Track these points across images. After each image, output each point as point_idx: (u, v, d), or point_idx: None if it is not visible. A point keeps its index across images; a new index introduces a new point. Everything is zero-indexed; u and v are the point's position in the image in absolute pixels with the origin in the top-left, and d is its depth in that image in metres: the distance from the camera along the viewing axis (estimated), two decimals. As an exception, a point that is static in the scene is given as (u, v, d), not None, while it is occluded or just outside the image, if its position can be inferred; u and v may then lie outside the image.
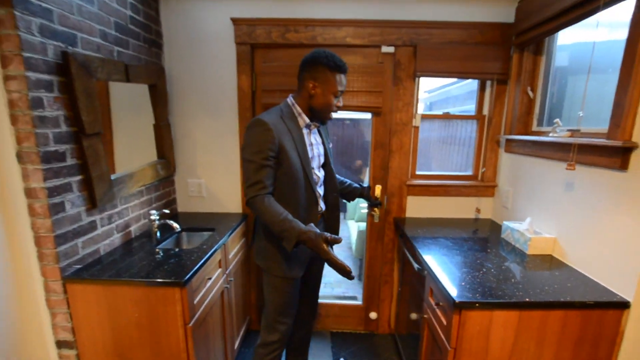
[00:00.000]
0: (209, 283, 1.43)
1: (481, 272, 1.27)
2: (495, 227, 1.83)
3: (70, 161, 1.21)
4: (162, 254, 1.40)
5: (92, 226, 1.32)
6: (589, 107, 1.38)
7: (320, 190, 1.38)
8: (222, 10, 1.79)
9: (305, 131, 1.31)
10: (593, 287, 1.16)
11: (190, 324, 1.23)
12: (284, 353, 1.77)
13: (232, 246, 1.76)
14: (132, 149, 1.59)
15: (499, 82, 1.82)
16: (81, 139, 1.23)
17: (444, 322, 1.17)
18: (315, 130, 1.40)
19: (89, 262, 1.30)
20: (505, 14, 1.73)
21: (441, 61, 1.76)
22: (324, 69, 1.23)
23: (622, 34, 1.23)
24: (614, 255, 1.13)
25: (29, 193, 1.11)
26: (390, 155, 1.93)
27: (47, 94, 1.11)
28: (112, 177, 1.39)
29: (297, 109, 1.30)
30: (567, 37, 1.54)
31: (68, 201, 1.20)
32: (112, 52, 1.43)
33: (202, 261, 1.33)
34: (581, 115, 1.26)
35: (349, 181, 1.61)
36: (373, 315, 2.16)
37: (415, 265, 1.51)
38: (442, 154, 2.19)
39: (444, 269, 1.29)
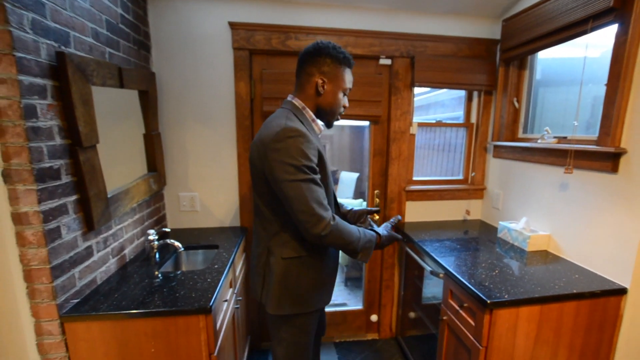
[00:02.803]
0: (225, 306, 1.33)
1: (495, 271, 1.35)
2: (486, 227, 1.96)
3: (65, 179, 1.04)
4: (167, 278, 1.26)
5: (89, 252, 1.15)
6: (569, 117, 1.56)
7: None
8: (218, 14, 1.69)
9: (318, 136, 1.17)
10: (593, 277, 1.30)
11: (215, 353, 1.13)
12: None
13: (237, 262, 1.66)
14: (119, 162, 1.42)
15: (485, 92, 1.98)
16: (77, 153, 1.06)
17: (472, 323, 1.22)
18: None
19: (87, 295, 1.13)
20: (490, 31, 1.89)
21: (436, 72, 1.86)
22: (333, 62, 1.07)
23: (597, 52, 1.42)
24: (609, 248, 1.28)
25: (18, 218, 0.93)
26: (390, 162, 1.97)
27: (41, 101, 0.95)
28: (110, 194, 1.23)
29: (310, 113, 1.11)
30: (548, 54, 1.73)
31: (64, 225, 1.03)
32: (104, 53, 1.27)
33: (221, 282, 1.23)
34: (576, 124, 1.41)
35: (345, 205, 1.40)
36: (374, 317, 2.18)
37: (428, 268, 1.56)
38: (435, 159, 2.31)
39: (461, 270, 1.35)
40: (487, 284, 1.24)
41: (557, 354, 1.23)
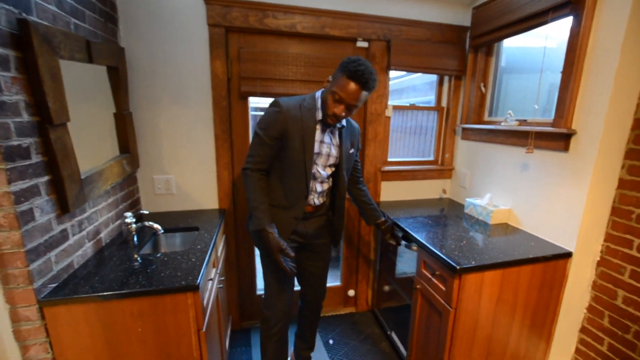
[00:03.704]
0: (209, 284, 1.34)
1: (463, 242, 1.48)
2: (454, 204, 2.12)
3: (35, 158, 0.98)
4: (148, 260, 1.25)
5: (64, 236, 1.10)
6: (530, 101, 1.70)
7: (318, 187, 1.37)
8: (191, -13, 1.61)
9: (319, 126, 1.31)
10: (546, 244, 1.47)
11: (204, 329, 1.15)
12: (292, 341, 1.77)
13: (218, 244, 1.66)
14: (90, 143, 1.34)
15: (455, 77, 2.08)
16: (47, 131, 1.00)
17: (443, 289, 1.34)
18: (335, 131, 1.36)
19: (65, 279, 1.09)
20: (462, 18, 1.98)
21: (411, 56, 1.93)
22: (342, 70, 1.20)
23: (555, 43, 1.55)
24: (559, 218, 1.45)
25: (-14, 200, 0.87)
26: (366, 143, 2.04)
27: (4, 72, 0.88)
28: (83, 175, 1.17)
29: (319, 103, 1.31)
30: (512, 43, 1.86)
31: (37, 207, 0.98)
32: (69, 24, 1.18)
33: (206, 261, 1.24)
34: (536, 107, 1.55)
35: (375, 205, 1.60)
36: (351, 292, 2.29)
37: (404, 243, 1.67)
38: (408, 142, 2.41)
39: (433, 242, 1.47)
40: (456, 253, 1.36)
41: (515, 311, 1.40)
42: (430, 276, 1.44)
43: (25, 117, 0.94)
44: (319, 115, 1.29)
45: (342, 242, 2.25)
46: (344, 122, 1.36)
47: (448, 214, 1.94)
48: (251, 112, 1.91)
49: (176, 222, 1.67)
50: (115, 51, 1.45)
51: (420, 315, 1.55)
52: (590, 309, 1.49)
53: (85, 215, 1.24)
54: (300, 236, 1.42)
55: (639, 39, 1.22)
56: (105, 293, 1.02)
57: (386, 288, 2.18)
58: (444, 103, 2.19)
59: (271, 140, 1.27)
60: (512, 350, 1.46)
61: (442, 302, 1.35)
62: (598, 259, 1.44)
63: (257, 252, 1.99)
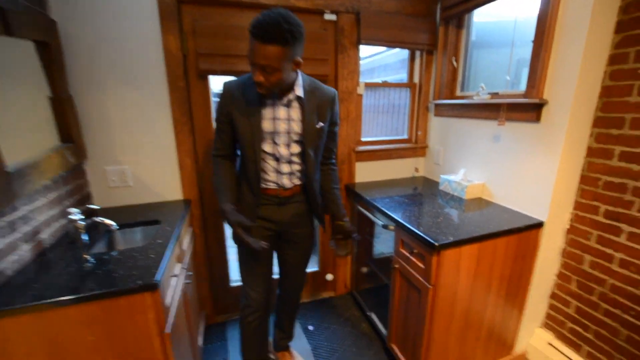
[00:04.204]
0: (174, 281, 1.23)
1: (439, 219, 1.46)
2: (429, 182, 2.10)
3: (-63, 148, 0.80)
4: (100, 260, 1.11)
5: (-11, 239, 0.94)
6: (501, 75, 1.68)
7: (285, 168, 1.22)
8: (131, -52, 1.41)
9: (269, 102, 1.17)
10: (520, 216, 1.47)
11: (169, 330, 1.04)
12: (272, 331, 1.71)
13: (184, 236, 1.53)
14: (21, 132, 1.15)
15: (427, 52, 2.02)
16: (-49, 114, 0.82)
17: (422, 266, 1.32)
18: (293, 103, 1.18)
19: (-5, 289, 0.94)
20: (431, -12, 1.91)
21: (381, 30, 1.84)
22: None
23: (524, 15, 1.51)
24: (531, 189, 1.46)
25: None
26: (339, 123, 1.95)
27: None
28: (10, 168, 1.00)
29: None
30: (481, 17, 1.81)
31: (-54, 207, 0.81)
32: (-26, -15, 0.97)
33: (168, 256, 1.12)
34: (508, 79, 1.52)
35: (335, 194, 1.38)
36: (329, 277, 2.25)
37: (380, 223, 1.62)
38: (381, 120, 2.35)
39: (410, 221, 1.43)
40: (433, 230, 1.33)
41: (491, 284, 1.40)
42: (408, 255, 1.41)
43: None
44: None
45: (316, 227, 2.19)
46: (299, 90, 1.16)
47: (423, 192, 1.91)
48: (213, 99, 1.76)
49: (135, 216, 1.52)
50: (44, 23, 1.24)
51: (400, 294, 1.53)
52: (559, 275, 1.53)
53: (17, 214, 1.07)
54: (275, 224, 1.31)
55: (608, 7, 1.21)
56: (41, 302, 0.88)
57: (364, 270, 2.15)
58: (416, 79, 2.14)
59: (222, 125, 1.22)
60: (488, 321, 1.48)
61: (421, 279, 1.32)
62: (568, 227, 1.47)
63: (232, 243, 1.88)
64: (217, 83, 1.79)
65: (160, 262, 1.07)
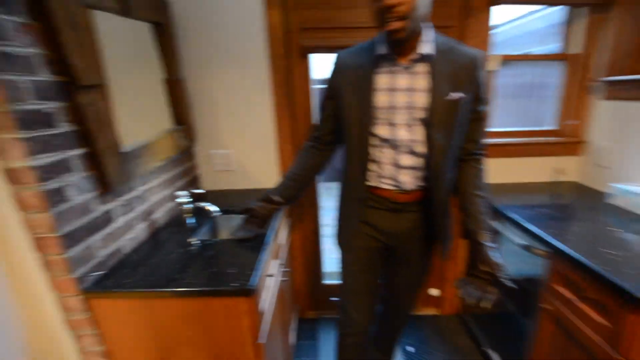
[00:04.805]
0: (269, 281, 1.11)
1: (623, 251, 0.96)
2: (585, 191, 1.50)
3: (61, 127, 0.81)
4: (202, 247, 1.06)
5: (108, 218, 0.96)
6: None
7: (405, 160, 0.90)
8: None
9: (382, 69, 0.88)
10: None
11: (263, 340, 0.92)
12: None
13: (280, 230, 1.43)
14: (138, 114, 1.18)
15: (597, 9, 1.40)
16: (75, 94, 0.82)
17: (604, 323, 0.87)
18: (418, 67, 0.86)
19: (113, 266, 0.96)
20: None
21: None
22: None
23: None
24: None
25: (12, 176, 0.73)
26: (464, 104, 1.54)
27: (9, 16, 0.69)
28: (126, 149, 1.01)
29: (382, 35, 0.87)
30: None
31: (70, 186, 0.83)
32: (100, -34, 0.97)
33: (263, 257, 0.99)
34: None
35: (481, 206, 0.93)
36: (434, 291, 1.89)
37: (518, 241, 1.19)
38: (516, 105, 1.81)
39: (578, 249, 0.97)
40: (622, 270, 0.86)
41: None
42: (572, 297, 0.97)
43: (44, 75, 0.77)
44: (381, 47, 0.87)
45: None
46: (429, 46, 0.83)
47: (578, 204, 1.36)
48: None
49: (236, 202, 1.48)
50: (158, 4, 1.24)
51: (550, 347, 1.09)
52: None
53: (134, 194, 1.09)
54: (384, 235, 1.01)
55: None
56: (145, 290, 0.85)
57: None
58: (575, 49, 1.53)
59: (327, 103, 1.02)
60: None
61: (599, 342, 0.88)
62: None
63: (330, 241, 1.72)
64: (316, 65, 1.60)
65: (257, 264, 0.94)
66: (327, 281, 1.89)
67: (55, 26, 0.76)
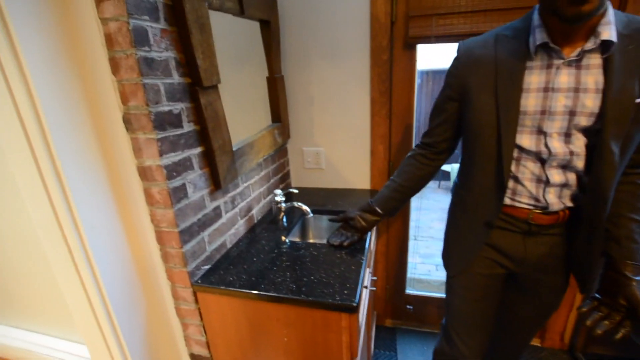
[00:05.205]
0: (364, 293, 1.04)
1: None
2: None
3: (187, 127, 0.85)
4: (296, 248, 1.04)
5: (217, 213, 1.00)
6: None
7: (556, 176, 0.74)
8: None
9: (535, 63, 0.70)
10: None
11: (358, 358, 0.86)
12: None
13: (371, 237, 1.34)
14: (242, 111, 1.20)
15: None
16: (197, 95, 0.85)
17: None
18: (589, 58, 0.66)
19: (217, 260, 1.00)
20: None
21: None
22: None
23: None
24: None
25: (143, 173, 0.79)
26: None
27: (153, 23, 0.73)
28: (234, 147, 1.04)
29: (536, 18, 0.69)
30: None
31: (190, 183, 0.87)
32: (221, -33, 0.99)
33: (363, 272, 0.92)
34: None
35: (635, 232, 0.74)
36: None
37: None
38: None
39: None
40: None
41: None
42: None
43: (176, 77, 0.81)
44: (539, 36, 0.68)
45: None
46: (609, 31, 0.62)
47: None
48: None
49: (324, 201, 1.45)
50: (267, 2, 1.24)
51: None
52: None
53: (238, 190, 1.12)
54: (513, 262, 0.86)
55: None
56: (247, 292, 0.85)
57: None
58: None
59: (446, 104, 0.87)
60: None
61: None
62: None
63: (412, 246, 1.59)
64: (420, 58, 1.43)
65: (359, 279, 0.87)
66: (409, 290, 1.76)
67: (188, 29, 0.79)
